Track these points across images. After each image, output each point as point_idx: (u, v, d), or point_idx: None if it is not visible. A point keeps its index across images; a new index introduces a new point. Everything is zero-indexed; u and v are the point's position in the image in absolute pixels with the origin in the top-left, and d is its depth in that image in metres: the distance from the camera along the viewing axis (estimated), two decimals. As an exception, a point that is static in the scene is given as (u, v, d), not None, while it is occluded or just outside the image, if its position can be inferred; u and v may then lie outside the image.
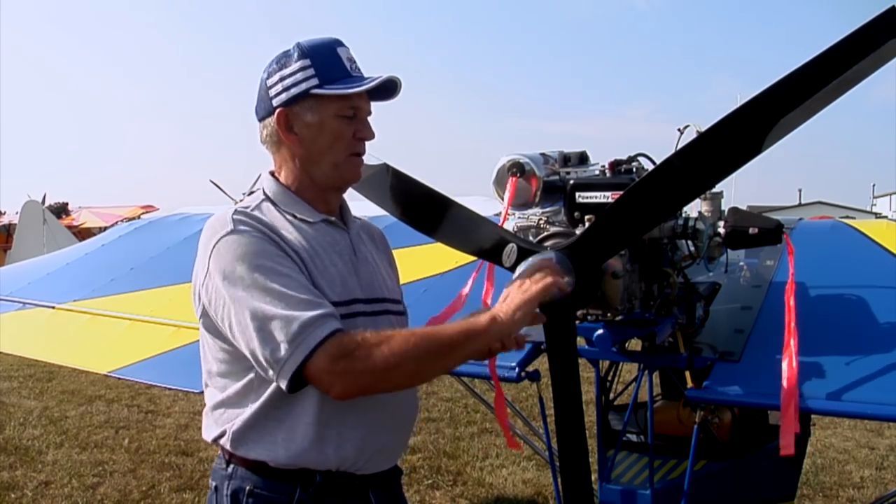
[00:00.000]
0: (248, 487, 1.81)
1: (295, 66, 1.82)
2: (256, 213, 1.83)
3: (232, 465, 1.84)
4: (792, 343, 2.06)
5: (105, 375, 3.80)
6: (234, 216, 1.78)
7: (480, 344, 1.73)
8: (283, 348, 1.63)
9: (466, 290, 2.65)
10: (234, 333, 1.71)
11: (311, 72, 1.81)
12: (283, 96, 1.83)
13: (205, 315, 1.80)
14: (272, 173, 1.94)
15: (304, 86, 1.81)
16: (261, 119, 1.90)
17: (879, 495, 5.49)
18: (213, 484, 1.90)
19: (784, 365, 2.04)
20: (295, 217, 1.86)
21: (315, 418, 1.77)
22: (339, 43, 1.87)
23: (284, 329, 1.63)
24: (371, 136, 1.90)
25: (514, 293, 1.78)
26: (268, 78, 1.86)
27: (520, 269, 1.92)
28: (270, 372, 1.67)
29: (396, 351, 1.64)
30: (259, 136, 1.93)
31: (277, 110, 1.84)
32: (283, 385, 1.67)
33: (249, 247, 1.72)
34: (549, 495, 5.45)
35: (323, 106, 1.83)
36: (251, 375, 1.77)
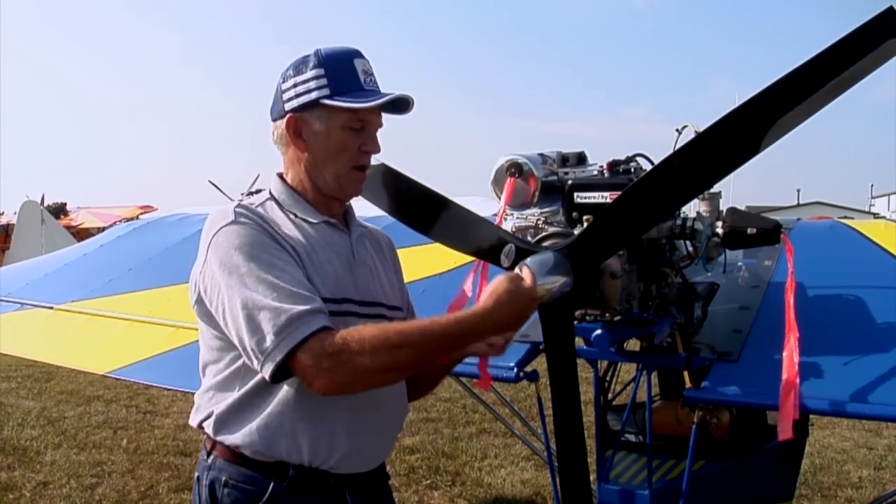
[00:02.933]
0: (224, 478, 1.84)
1: (309, 73, 1.85)
2: (259, 209, 1.87)
3: (212, 456, 1.88)
4: (792, 339, 2.06)
5: (103, 376, 3.80)
6: (236, 209, 1.83)
7: (465, 345, 1.74)
8: (270, 339, 1.65)
9: (468, 286, 2.62)
10: (225, 321, 1.74)
11: (323, 81, 1.84)
12: (295, 102, 1.87)
13: (199, 302, 1.83)
14: (280, 175, 1.98)
15: (314, 94, 1.84)
16: (274, 119, 1.94)
17: (878, 495, 5.50)
18: (196, 475, 1.94)
19: (784, 357, 2.04)
20: (296, 216, 1.90)
21: (292, 409, 1.79)
22: (357, 54, 1.89)
23: (272, 320, 1.65)
24: (377, 150, 1.93)
25: (504, 298, 1.72)
26: (283, 81, 1.90)
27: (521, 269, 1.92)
28: (255, 361, 1.70)
29: (380, 355, 1.65)
30: (271, 135, 1.97)
31: (288, 115, 1.88)
32: (267, 375, 1.69)
33: (247, 237, 1.76)
34: (547, 495, 5.45)
35: (331, 116, 1.85)
36: (239, 363, 1.80)
